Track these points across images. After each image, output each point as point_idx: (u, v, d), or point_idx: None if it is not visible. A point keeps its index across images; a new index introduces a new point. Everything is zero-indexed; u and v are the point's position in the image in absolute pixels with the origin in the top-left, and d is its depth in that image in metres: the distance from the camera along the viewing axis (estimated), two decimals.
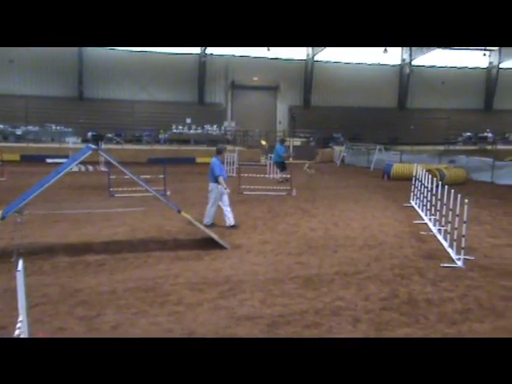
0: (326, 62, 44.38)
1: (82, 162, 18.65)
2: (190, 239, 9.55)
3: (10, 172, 20.49)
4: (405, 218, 12.16)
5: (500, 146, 38.33)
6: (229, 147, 21.65)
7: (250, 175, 17.77)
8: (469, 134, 42.31)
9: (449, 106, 45.48)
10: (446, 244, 9.19)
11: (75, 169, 19.45)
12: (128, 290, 6.62)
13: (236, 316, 5.78)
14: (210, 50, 40.77)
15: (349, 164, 30.64)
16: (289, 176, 17.47)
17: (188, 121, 36.68)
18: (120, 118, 36.93)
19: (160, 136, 34.76)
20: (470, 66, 47.60)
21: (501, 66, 47.24)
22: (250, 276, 7.34)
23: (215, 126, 36.86)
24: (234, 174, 20.21)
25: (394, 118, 43.60)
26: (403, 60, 46.03)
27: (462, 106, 46.91)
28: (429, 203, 11.45)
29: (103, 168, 21.62)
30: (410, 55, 45.37)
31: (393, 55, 45.02)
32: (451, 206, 8.96)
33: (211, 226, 10.49)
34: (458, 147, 37.98)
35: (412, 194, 14.52)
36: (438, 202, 10.24)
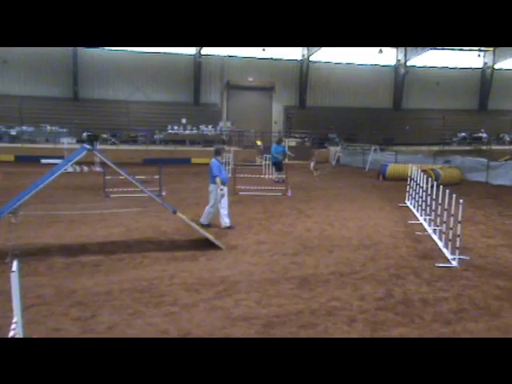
0: (322, 63, 44.38)
1: (77, 163, 18.64)
2: (185, 240, 9.55)
3: (4, 173, 20.42)
4: (400, 218, 12.19)
5: (495, 147, 38.51)
6: (224, 147, 21.62)
7: (246, 175, 17.77)
8: (463, 134, 42.41)
9: (444, 107, 45.59)
10: (441, 244, 9.22)
11: (70, 169, 19.41)
12: (124, 290, 6.60)
13: (232, 316, 5.77)
14: (205, 50, 40.72)
15: (344, 164, 30.68)
16: (284, 176, 17.50)
17: (183, 121, 36.60)
18: (115, 119, 36.80)
19: (155, 136, 34.65)
20: (465, 66, 47.71)
21: (495, 66, 47.38)
22: (246, 276, 7.34)
23: (211, 127, 36.81)
24: (230, 175, 20.19)
25: (389, 119, 43.66)
26: (398, 60, 46.09)
27: (457, 107, 47.03)
28: (424, 203, 11.49)
29: (98, 168, 21.58)
30: (405, 56, 45.43)
31: (388, 56, 45.09)
32: (446, 206, 8.99)
33: (207, 226, 10.49)
34: (452, 147, 38.08)
35: (407, 194, 14.56)
36: (433, 202, 10.28)
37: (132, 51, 39.13)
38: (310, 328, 5.48)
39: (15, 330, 3.51)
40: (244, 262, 8.18)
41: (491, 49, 46.13)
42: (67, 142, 27.70)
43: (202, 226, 10.44)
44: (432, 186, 10.59)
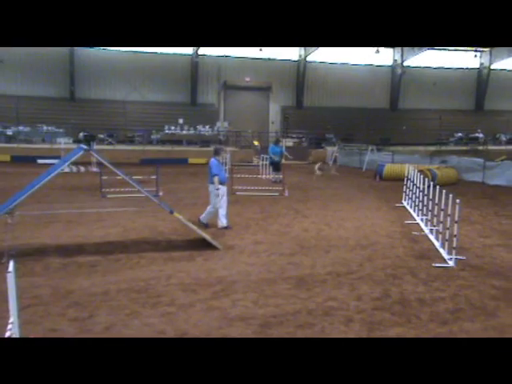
0: (319, 63, 44.43)
1: (74, 163, 18.60)
2: (182, 240, 9.54)
3: (0, 173, 20.35)
4: (397, 219, 12.21)
5: (491, 147, 38.64)
6: (223, 148, 21.61)
7: (243, 176, 17.77)
8: (460, 134, 42.53)
9: (440, 107, 45.71)
10: (437, 244, 9.23)
11: (67, 169, 19.36)
12: (120, 291, 6.59)
13: (229, 317, 5.77)
14: (202, 50, 40.71)
15: (341, 164, 30.69)
16: (282, 176, 17.51)
17: (180, 121, 36.59)
18: (112, 119, 36.76)
19: (152, 136, 34.61)
20: (461, 66, 47.85)
21: (492, 66, 47.55)
22: (243, 276, 7.34)
23: (208, 127, 36.81)
24: (227, 175, 20.18)
25: (386, 119, 43.76)
26: (395, 61, 46.18)
27: (454, 107, 47.18)
28: (421, 203, 11.50)
29: (95, 169, 21.55)
30: (402, 56, 45.54)
31: (384, 56, 45.15)
32: (443, 206, 9.01)
33: (205, 225, 10.49)
34: (449, 147, 38.17)
35: (404, 194, 14.58)
36: (430, 203, 10.30)
37: (129, 51, 39.09)
38: (307, 328, 5.48)
39: (11, 331, 3.50)
40: (241, 262, 8.18)
41: (487, 49, 46.28)
42: (64, 142, 27.67)
43: (201, 223, 10.46)
44: (429, 186, 10.61)
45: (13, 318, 3.58)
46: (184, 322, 5.60)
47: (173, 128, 35.74)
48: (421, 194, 11.50)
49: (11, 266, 3.60)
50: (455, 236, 8.05)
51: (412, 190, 13.10)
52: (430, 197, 10.23)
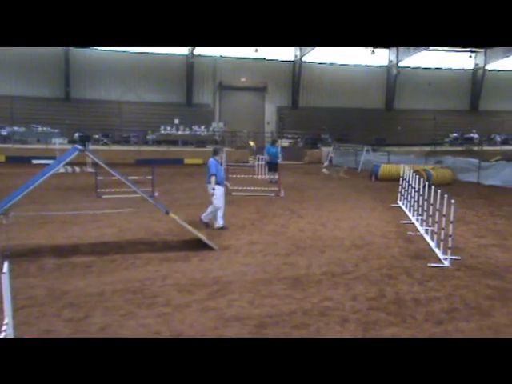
0: (314, 63, 44.42)
1: (69, 163, 18.54)
2: (178, 240, 9.53)
3: None
4: (392, 219, 12.23)
5: (486, 147, 38.79)
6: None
7: (239, 176, 17.76)
8: (455, 134, 42.63)
9: (435, 107, 45.79)
10: (432, 244, 9.26)
11: (62, 170, 19.29)
12: (116, 291, 6.58)
13: (224, 317, 5.77)
14: (197, 50, 40.66)
15: (337, 165, 30.71)
16: (277, 177, 17.52)
17: (176, 122, 36.50)
18: (107, 119, 36.62)
19: (148, 137, 34.53)
20: (456, 67, 47.98)
21: (486, 67, 47.67)
22: (239, 277, 7.34)
23: (203, 127, 36.75)
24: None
25: (382, 119, 43.81)
26: (390, 61, 46.24)
27: (449, 107, 47.27)
28: (416, 204, 11.53)
29: (90, 169, 21.47)
30: (397, 56, 45.58)
31: (380, 56, 45.22)
32: (438, 207, 9.04)
33: (205, 224, 10.50)
34: (444, 148, 38.29)
35: (399, 194, 14.62)
36: (425, 203, 10.32)
37: (124, 51, 38.98)
38: (302, 328, 5.49)
39: (6, 332, 3.49)
40: (237, 262, 8.18)
41: (482, 50, 46.44)
42: (59, 143, 27.54)
43: (202, 223, 10.47)
44: (424, 187, 10.64)
45: (7, 319, 3.57)
46: (180, 322, 5.59)
47: (168, 128, 35.64)
48: (416, 194, 11.53)
49: (6, 266, 3.59)
50: (450, 236, 8.08)
51: (407, 191, 13.13)
52: (426, 197, 10.25)
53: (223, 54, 41.37)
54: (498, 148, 38.76)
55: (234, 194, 15.63)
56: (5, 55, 35.58)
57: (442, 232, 8.48)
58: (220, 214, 10.62)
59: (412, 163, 20.69)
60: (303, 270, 7.73)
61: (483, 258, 8.66)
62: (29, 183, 7.95)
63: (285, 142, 35.52)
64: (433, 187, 9.74)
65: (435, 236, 9.20)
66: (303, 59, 43.84)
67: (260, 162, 21.77)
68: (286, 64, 44.02)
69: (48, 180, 7.99)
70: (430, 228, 9.87)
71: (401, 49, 44.33)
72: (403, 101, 47.00)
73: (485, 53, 46.94)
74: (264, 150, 21.86)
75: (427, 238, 9.83)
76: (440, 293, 6.73)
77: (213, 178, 10.35)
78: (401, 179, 14.39)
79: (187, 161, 30.30)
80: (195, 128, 36.21)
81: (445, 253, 8.30)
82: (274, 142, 21.22)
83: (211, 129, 37.32)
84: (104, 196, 14.85)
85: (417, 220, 11.30)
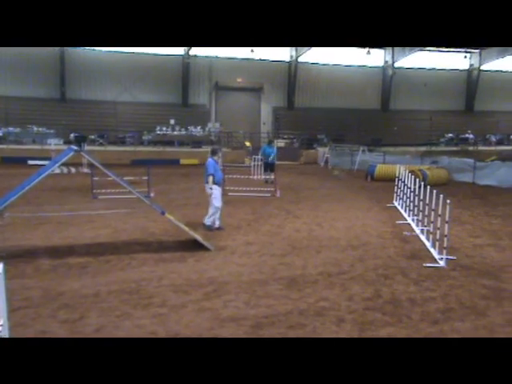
0: (310, 64, 44.48)
1: (65, 164, 18.51)
2: (173, 241, 9.52)
3: None
4: (388, 219, 12.26)
5: (481, 147, 38.93)
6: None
7: (235, 176, 17.76)
8: (450, 135, 42.77)
9: (431, 108, 45.91)
10: (428, 244, 9.28)
11: (57, 171, 19.25)
12: (111, 292, 6.57)
13: (220, 317, 5.77)
14: (193, 51, 40.62)
15: (333, 165, 30.75)
16: (273, 177, 17.53)
17: (172, 122, 36.45)
18: (103, 120, 36.56)
19: (144, 137, 34.47)
20: (452, 67, 48.15)
21: (481, 67, 47.87)
22: (235, 277, 7.33)
23: (199, 128, 36.72)
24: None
25: (378, 120, 43.88)
26: (386, 62, 46.35)
27: (444, 108, 47.42)
28: (411, 204, 11.56)
29: (86, 170, 21.44)
30: (393, 57, 45.70)
31: (375, 57, 45.34)
32: (434, 207, 9.06)
33: (208, 228, 10.41)
34: (440, 148, 38.41)
35: (395, 194, 14.64)
36: (421, 203, 10.35)
37: (120, 52, 38.91)
38: (298, 328, 5.49)
39: (2, 333, 3.48)
40: (232, 262, 8.17)
41: (477, 50, 46.61)
42: (54, 143, 27.50)
43: (205, 228, 10.41)
44: (419, 187, 10.67)
45: (2, 321, 3.55)
46: (175, 323, 5.59)
47: (164, 129, 35.59)
48: (412, 194, 11.56)
49: (1, 267, 3.58)
50: (446, 236, 8.10)
51: (403, 191, 13.16)
52: (421, 197, 10.28)
53: (219, 55, 41.36)
54: (493, 148, 38.93)
55: (230, 194, 15.62)
56: (0, 55, 35.46)
57: (438, 232, 8.50)
58: (217, 215, 10.61)
59: (408, 163, 20.75)
60: (299, 271, 7.74)
61: (478, 257, 8.68)
62: (24, 184, 7.92)
63: (281, 143, 35.53)
64: (428, 187, 9.76)
65: (431, 236, 9.22)
66: (299, 60, 43.89)
67: (256, 163, 21.73)
68: (281, 64, 44.05)
69: (43, 181, 7.96)
70: (425, 228, 9.90)
71: (396, 49, 44.46)
72: (399, 101, 47.13)
73: (480, 53, 47.14)
74: (260, 150, 21.89)
75: (423, 238, 9.85)
76: (435, 293, 6.75)
77: (210, 178, 10.34)
78: (396, 179, 14.42)
79: (183, 161, 30.28)
80: (191, 128, 36.18)
81: (440, 253, 8.32)
82: (270, 143, 21.23)
83: (207, 129, 37.29)
84: (100, 197, 14.82)
85: (412, 220, 11.33)
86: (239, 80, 42.02)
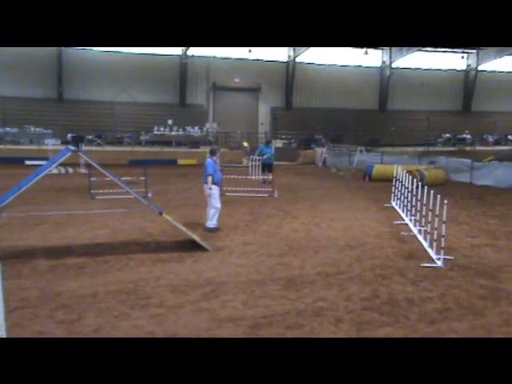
0: (308, 64, 44.50)
1: (62, 164, 18.46)
2: (171, 241, 9.51)
3: None
4: (386, 219, 12.27)
5: (478, 147, 39.01)
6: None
7: (232, 177, 17.75)
8: (448, 135, 42.82)
9: (428, 108, 45.97)
10: (426, 244, 9.29)
11: (55, 171, 19.23)
12: (109, 293, 6.56)
13: (218, 318, 5.76)
14: (191, 51, 40.60)
15: (330, 165, 30.79)
16: (271, 177, 17.53)
17: (169, 122, 36.41)
18: (100, 120, 36.50)
19: (141, 138, 34.43)
20: (449, 68, 48.23)
21: (478, 68, 47.95)
22: (232, 277, 7.33)
23: (197, 128, 36.68)
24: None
25: (375, 120, 43.91)
26: (383, 62, 46.39)
27: (442, 108, 47.48)
28: (409, 204, 11.57)
29: (83, 170, 21.41)
30: (390, 57, 45.73)
31: (373, 57, 45.37)
32: (431, 207, 9.07)
33: (210, 230, 10.36)
34: (437, 148, 38.46)
35: (393, 194, 14.65)
36: (418, 203, 10.36)
37: (117, 52, 38.88)
38: (296, 328, 5.49)
39: None
40: (230, 263, 8.17)
41: (474, 51, 46.69)
42: (52, 144, 27.44)
43: (207, 230, 10.37)
44: (417, 187, 10.68)
45: (0, 321, 3.55)
46: (173, 323, 5.58)
47: (162, 129, 35.54)
48: (409, 194, 11.57)
49: None
50: (443, 236, 8.11)
51: (401, 191, 13.17)
52: (419, 197, 10.29)
53: (217, 55, 41.34)
54: (490, 148, 38.98)
55: (228, 194, 15.62)
56: None
57: (435, 232, 8.51)
58: (217, 215, 10.59)
59: (405, 163, 20.77)
60: (297, 271, 7.74)
61: (476, 257, 8.69)
62: (21, 184, 7.90)
63: (278, 143, 35.55)
64: (426, 187, 9.77)
65: (428, 236, 9.23)
66: (297, 60, 43.89)
67: (254, 163, 21.72)
68: (279, 65, 44.05)
69: (41, 181, 7.94)
70: (423, 228, 9.91)
71: (394, 49, 44.50)
72: (396, 101, 47.19)
73: (477, 54, 47.22)
74: (257, 150, 21.89)
75: (420, 238, 9.86)
76: (433, 293, 6.76)
77: (209, 178, 10.32)
78: (394, 180, 14.43)
79: (181, 161, 30.27)
80: (189, 129, 36.14)
81: (438, 253, 8.33)
82: (268, 143, 21.23)
83: (205, 129, 37.26)
84: (97, 197, 14.80)
85: (410, 220, 11.33)
86: (237, 80, 42.01)
